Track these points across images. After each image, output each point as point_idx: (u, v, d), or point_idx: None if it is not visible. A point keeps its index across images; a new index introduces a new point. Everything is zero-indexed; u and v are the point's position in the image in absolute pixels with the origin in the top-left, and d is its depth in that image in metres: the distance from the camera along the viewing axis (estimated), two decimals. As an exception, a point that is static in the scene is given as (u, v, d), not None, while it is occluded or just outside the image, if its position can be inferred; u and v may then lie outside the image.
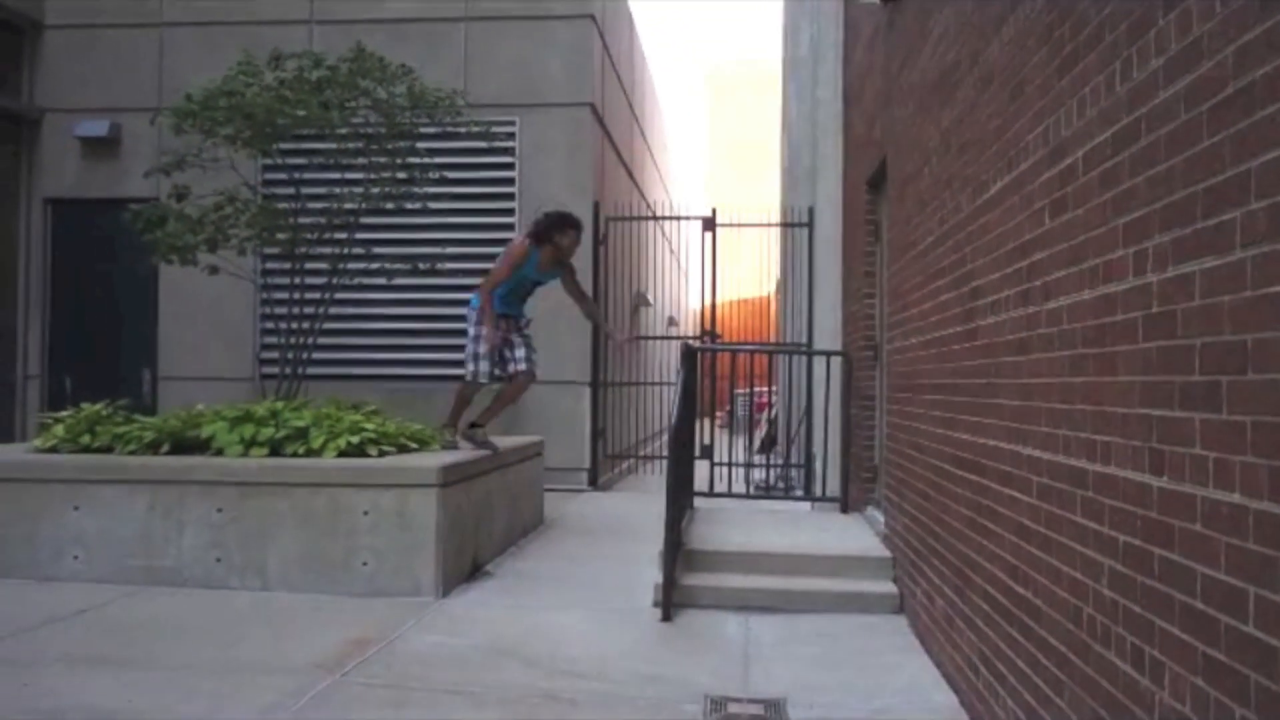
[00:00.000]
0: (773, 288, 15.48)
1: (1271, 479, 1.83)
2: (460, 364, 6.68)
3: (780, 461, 9.65)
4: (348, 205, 7.60)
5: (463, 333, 6.68)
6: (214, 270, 7.36)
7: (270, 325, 9.65)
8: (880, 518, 6.37)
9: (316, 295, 7.69)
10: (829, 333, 8.53)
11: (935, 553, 4.59)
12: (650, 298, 14.43)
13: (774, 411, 10.56)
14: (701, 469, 8.25)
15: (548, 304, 9.88)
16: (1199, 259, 2.12)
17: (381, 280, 8.33)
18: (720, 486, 8.36)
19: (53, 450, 6.13)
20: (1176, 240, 2.23)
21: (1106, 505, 2.58)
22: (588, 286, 10.00)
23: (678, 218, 11.69)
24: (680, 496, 5.94)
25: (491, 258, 9.88)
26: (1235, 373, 1.97)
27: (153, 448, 6.00)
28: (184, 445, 6.02)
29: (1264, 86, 1.89)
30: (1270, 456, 1.84)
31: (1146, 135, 2.39)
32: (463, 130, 7.89)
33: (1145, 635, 2.33)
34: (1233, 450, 1.97)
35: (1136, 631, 2.38)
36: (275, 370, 7.84)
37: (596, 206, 10.21)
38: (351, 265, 7.85)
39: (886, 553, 5.82)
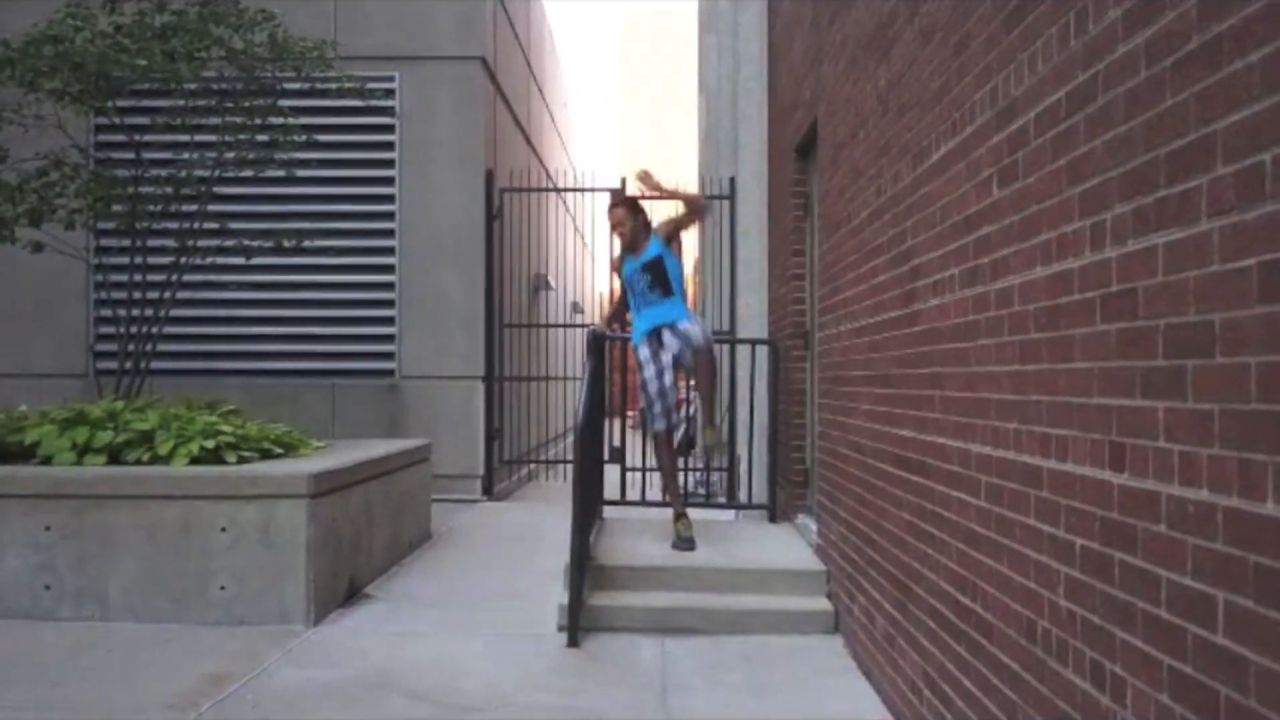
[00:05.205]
0: (690, 268, 15.55)
1: (1241, 473, 1.88)
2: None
3: (701, 465, 9.70)
4: (198, 172, 7.43)
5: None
6: (38, 248, 7.13)
7: (107, 313, 9.34)
8: (813, 526, 6.44)
9: (161, 277, 7.51)
10: (754, 319, 8.59)
11: (874, 564, 4.66)
12: (551, 280, 14.37)
13: (693, 409, 10.60)
14: (612, 474, 8.25)
15: (431, 288, 9.82)
16: (1162, 231, 2.17)
17: (239, 259, 8.15)
18: (633, 494, 8.37)
19: None
20: (1137, 211, 2.28)
21: (1063, 506, 2.63)
22: (479, 267, 9.95)
23: (582, 189, 11.64)
24: (588, 505, 5.93)
25: (367, 233, 9.84)
26: (1202, 356, 2.02)
27: (-36, 457, 5.81)
28: (3, 453, 5.86)
29: (1230, 40, 1.94)
30: (1240, 448, 1.88)
31: (1104, 94, 2.44)
32: (334, 86, 7.74)
33: (1105, 649, 2.39)
34: (1199, 442, 2.02)
35: (1096, 645, 2.43)
36: (114, 365, 7.63)
37: (489, 175, 10.12)
38: (203, 242, 7.67)
39: (820, 565, 5.89)
